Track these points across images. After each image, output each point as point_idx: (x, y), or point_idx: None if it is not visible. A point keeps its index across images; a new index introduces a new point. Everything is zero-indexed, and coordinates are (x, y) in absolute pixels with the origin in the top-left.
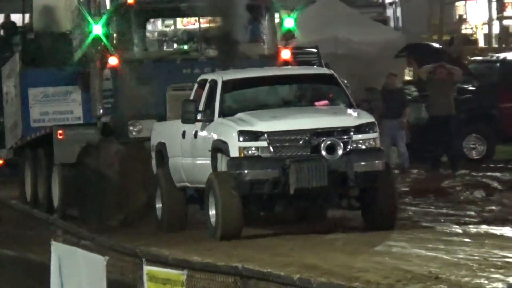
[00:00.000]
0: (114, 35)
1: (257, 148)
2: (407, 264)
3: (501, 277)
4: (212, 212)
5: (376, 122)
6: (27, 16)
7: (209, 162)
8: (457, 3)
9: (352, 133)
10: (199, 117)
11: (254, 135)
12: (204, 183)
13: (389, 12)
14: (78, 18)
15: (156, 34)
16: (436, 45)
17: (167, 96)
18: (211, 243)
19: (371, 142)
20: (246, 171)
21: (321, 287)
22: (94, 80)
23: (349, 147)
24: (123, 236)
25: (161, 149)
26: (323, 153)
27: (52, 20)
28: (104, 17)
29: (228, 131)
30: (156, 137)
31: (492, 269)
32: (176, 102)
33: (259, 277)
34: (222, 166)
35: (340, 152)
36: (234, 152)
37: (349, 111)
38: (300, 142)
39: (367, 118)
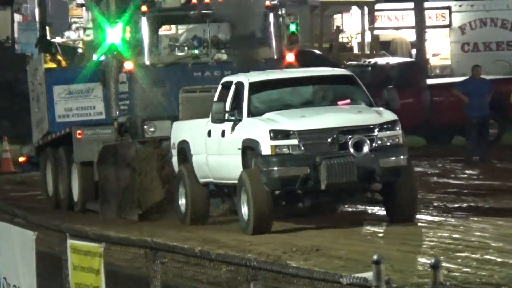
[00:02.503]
0: (129, 41)
1: (287, 146)
2: (295, 239)
3: (371, 249)
4: (244, 207)
5: (399, 120)
6: None
7: (237, 159)
8: (335, 16)
9: (377, 131)
10: (226, 117)
11: (285, 134)
12: (231, 179)
13: None
14: (94, 24)
15: (168, 39)
16: (318, 51)
17: (180, 98)
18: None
19: (395, 139)
20: (278, 168)
21: (218, 258)
22: (110, 83)
23: (374, 144)
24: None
25: (184, 147)
26: (351, 150)
27: None
28: (119, 24)
29: (259, 130)
30: (178, 136)
31: (363, 242)
32: (188, 103)
33: (166, 249)
34: (253, 163)
35: (366, 149)
36: (265, 150)
37: (373, 109)
38: (329, 140)
39: (391, 116)
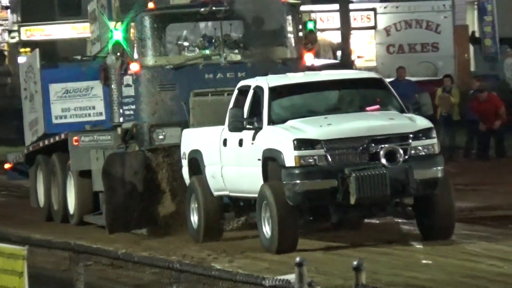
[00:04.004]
0: (135, 41)
1: (313, 157)
2: (223, 242)
3: (295, 251)
4: (265, 224)
5: (434, 127)
6: None
7: (257, 171)
8: None
9: (411, 140)
10: (245, 125)
11: (310, 144)
12: (250, 193)
13: None
14: (97, 21)
15: (177, 39)
16: None
17: (190, 102)
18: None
19: (430, 148)
20: (303, 181)
21: (142, 260)
22: (113, 86)
23: (408, 154)
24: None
25: (196, 157)
26: (383, 160)
27: None
28: (125, 23)
29: (283, 140)
30: (189, 145)
31: None
32: (199, 108)
33: (89, 252)
34: (274, 176)
35: (400, 159)
36: (289, 162)
37: (405, 116)
38: (358, 150)
39: (425, 124)
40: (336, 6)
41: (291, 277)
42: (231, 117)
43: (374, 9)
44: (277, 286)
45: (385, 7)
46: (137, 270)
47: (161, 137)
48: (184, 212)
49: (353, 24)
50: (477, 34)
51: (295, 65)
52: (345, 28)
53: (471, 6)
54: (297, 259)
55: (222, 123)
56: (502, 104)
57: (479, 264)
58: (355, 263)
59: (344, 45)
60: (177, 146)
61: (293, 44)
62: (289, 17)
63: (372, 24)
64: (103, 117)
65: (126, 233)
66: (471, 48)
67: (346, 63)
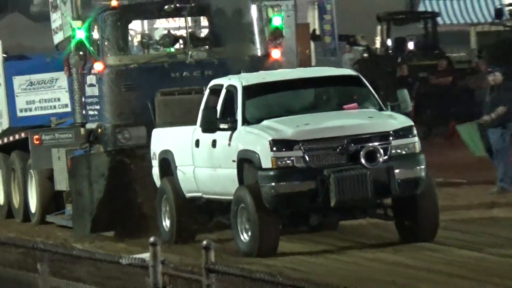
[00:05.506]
0: (98, 39)
1: (290, 158)
2: None
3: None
4: (243, 228)
5: (414, 125)
6: None
7: (231, 173)
8: None
9: (391, 138)
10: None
11: (288, 144)
12: (224, 195)
13: None
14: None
15: (141, 37)
16: None
17: (156, 101)
18: None
19: (411, 147)
20: (280, 184)
21: (7, 241)
22: (75, 86)
23: (388, 153)
24: None
25: (167, 158)
26: (363, 161)
27: None
28: (87, 21)
29: (259, 141)
30: (159, 145)
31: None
32: (165, 107)
33: None
34: (250, 178)
35: (380, 159)
36: (266, 163)
37: (384, 114)
38: (337, 150)
39: (406, 122)
40: None
41: (146, 255)
42: (204, 118)
43: None
44: (133, 264)
45: None
46: (4, 250)
47: (126, 137)
48: (153, 214)
49: None
50: (317, 32)
51: (263, 62)
52: None
53: (312, 6)
54: (151, 239)
55: (189, 123)
56: None
57: (350, 251)
58: (204, 242)
59: None
60: (143, 147)
61: (260, 40)
62: (255, 12)
63: None
64: (68, 109)
65: (94, 235)
66: (312, 44)
67: None
